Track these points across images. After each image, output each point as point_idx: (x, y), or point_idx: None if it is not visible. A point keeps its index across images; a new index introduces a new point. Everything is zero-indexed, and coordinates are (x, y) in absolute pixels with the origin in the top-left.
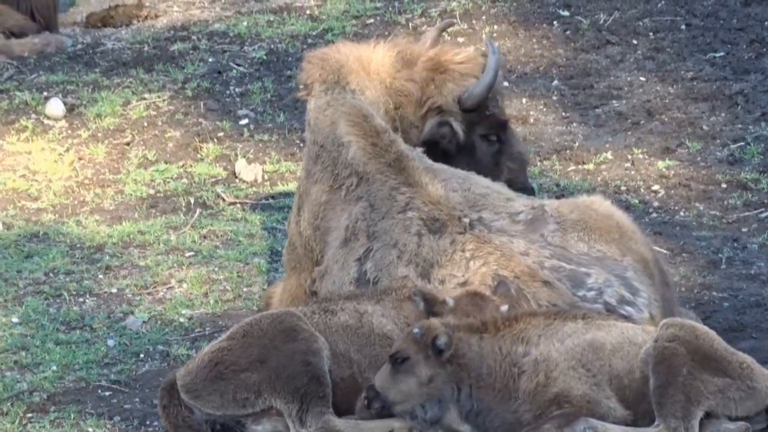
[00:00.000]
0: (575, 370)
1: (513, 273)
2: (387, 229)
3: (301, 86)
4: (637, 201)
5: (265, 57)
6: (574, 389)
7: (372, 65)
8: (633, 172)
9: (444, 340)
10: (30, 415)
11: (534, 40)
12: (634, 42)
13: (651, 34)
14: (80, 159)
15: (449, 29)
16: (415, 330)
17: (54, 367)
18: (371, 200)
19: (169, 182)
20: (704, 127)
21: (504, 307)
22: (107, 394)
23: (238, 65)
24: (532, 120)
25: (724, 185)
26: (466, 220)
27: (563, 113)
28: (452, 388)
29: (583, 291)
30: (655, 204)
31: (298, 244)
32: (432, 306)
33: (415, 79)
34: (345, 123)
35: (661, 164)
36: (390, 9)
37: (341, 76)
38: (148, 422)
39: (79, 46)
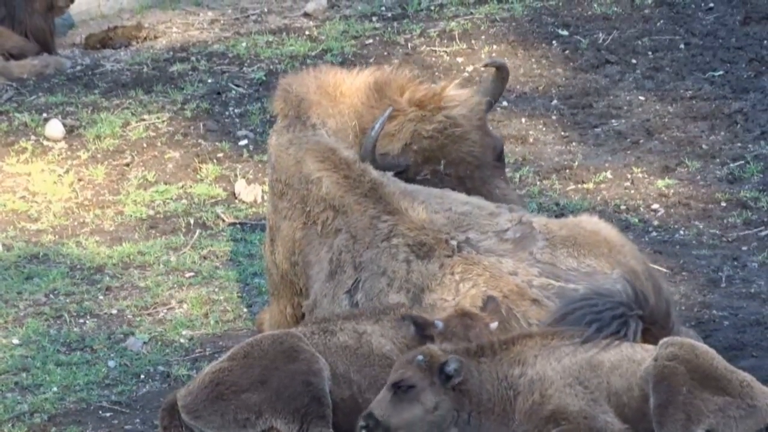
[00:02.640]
0: (572, 388)
1: (502, 293)
2: (373, 258)
3: None
4: (636, 220)
5: (264, 78)
6: (571, 406)
7: (342, 88)
8: (633, 191)
9: (454, 366)
10: None
11: (533, 60)
12: (633, 61)
13: (650, 53)
14: (80, 180)
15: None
16: (419, 357)
17: (55, 389)
18: (352, 231)
19: (168, 203)
20: (704, 146)
21: (494, 324)
22: (108, 415)
23: (238, 86)
24: (531, 139)
25: (723, 204)
26: (454, 243)
27: (562, 132)
28: (454, 415)
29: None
30: (655, 223)
31: (274, 273)
32: (423, 330)
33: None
34: (312, 160)
35: (660, 183)
36: (389, 29)
37: (301, 110)
38: None
39: (79, 68)
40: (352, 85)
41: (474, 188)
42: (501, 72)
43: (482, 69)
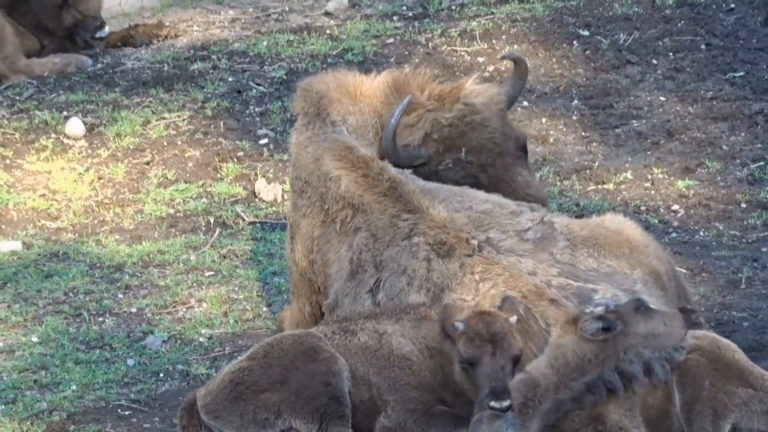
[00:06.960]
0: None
1: (521, 293)
2: (394, 257)
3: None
4: (656, 221)
5: (285, 76)
6: (612, 413)
7: (362, 88)
8: (653, 192)
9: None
10: None
11: (554, 60)
12: (654, 62)
13: (671, 53)
14: (100, 178)
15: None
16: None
17: (74, 387)
18: (372, 230)
19: (188, 202)
20: (724, 147)
21: (513, 318)
22: (127, 413)
23: (258, 85)
24: (551, 140)
25: (743, 205)
26: (474, 242)
27: (583, 133)
28: None
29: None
30: (675, 224)
31: (294, 271)
32: (443, 323)
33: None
34: (330, 158)
35: (680, 184)
36: (410, 29)
37: (321, 107)
38: None
39: (99, 66)
40: (371, 85)
41: (496, 176)
42: (519, 65)
43: (500, 60)
